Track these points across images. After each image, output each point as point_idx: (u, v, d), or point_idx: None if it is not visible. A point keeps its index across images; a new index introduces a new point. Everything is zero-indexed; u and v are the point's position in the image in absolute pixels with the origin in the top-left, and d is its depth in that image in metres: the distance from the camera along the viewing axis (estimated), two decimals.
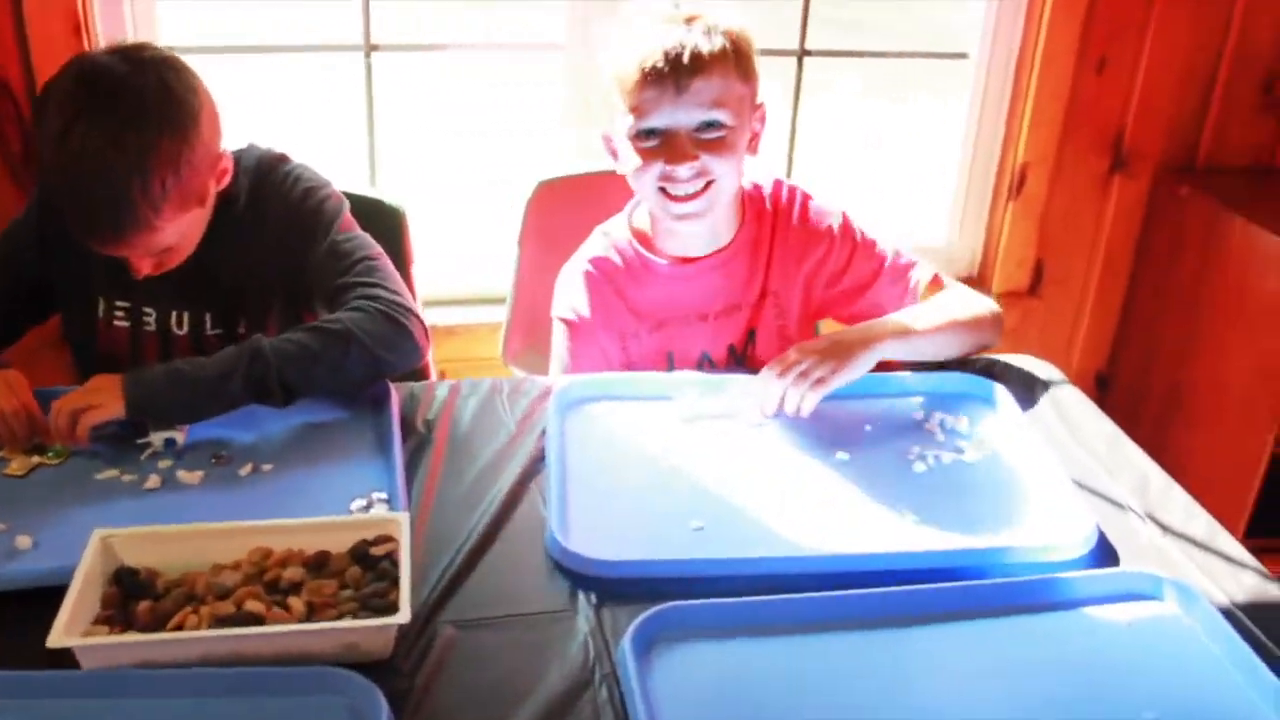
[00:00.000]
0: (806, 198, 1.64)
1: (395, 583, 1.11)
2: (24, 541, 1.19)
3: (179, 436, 1.34)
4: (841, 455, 1.40)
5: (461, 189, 3.96)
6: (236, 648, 1.04)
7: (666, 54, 1.44)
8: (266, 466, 1.33)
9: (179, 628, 1.06)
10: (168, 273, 1.50)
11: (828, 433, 1.44)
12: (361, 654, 1.06)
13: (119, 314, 1.56)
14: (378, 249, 1.52)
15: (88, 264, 1.51)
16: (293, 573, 1.12)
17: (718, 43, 1.46)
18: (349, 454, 1.36)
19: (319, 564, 1.14)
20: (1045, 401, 1.58)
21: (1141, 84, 2.45)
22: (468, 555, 1.20)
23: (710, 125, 1.48)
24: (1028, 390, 1.59)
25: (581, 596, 1.16)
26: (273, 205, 1.53)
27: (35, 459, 1.33)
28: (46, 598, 1.10)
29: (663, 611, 1.11)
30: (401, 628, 1.06)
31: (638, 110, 1.47)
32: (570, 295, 1.62)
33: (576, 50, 2.30)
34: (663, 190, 1.51)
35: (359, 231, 1.54)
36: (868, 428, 1.47)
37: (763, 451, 1.41)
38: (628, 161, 1.52)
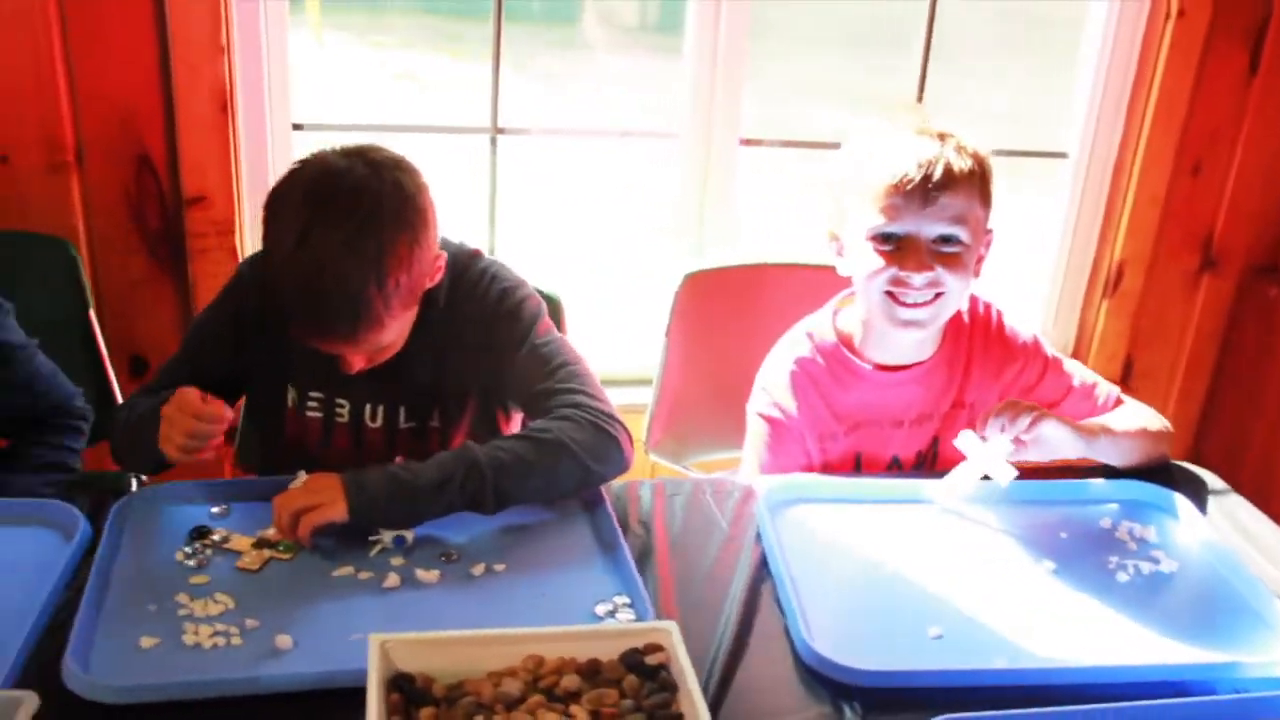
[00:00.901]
0: (1000, 313, 1.69)
1: (675, 693, 1.11)
2: (285, 641, 1.18)
3: (409, 535, 1.34)
4: (1048, 564, 1.42)
5: (580, 266, 3.96)
6: None
7: (920, 165, 1.48)
8: (499, 567, 1.33)
9: None
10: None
11: (1028, 539, 1.47)
12: None
13: (312, 404, 1.56)
14: (576, 353, 1.53)
15: (281, 355, 1.52)
16: (569, 681, 1.12)
17: (967, 163, 1.50)
18: (574, 555, 1.37)
19: (592, 672, 1.14)
20: (1215, 510, 1.61)
21: (1232, 187, 2.52)
22: (724, 666, 1.20)
23: (949, 240, 1.52)
24: (1196, 497, 1.62)
25: (845, 707, 1.17)
26: (470, 305, 1.53)
27: (267, 553, 1.32)
28: (307, 698, 1.10)
29: None
30: None
31: (885, 213, 1.50)
32: (775, 394, 1.63)
33: (695, 138, 2.33)
34: (890, 294, 1.53)
35: (557, 334, 1.54)
36: (1063, 535, 1.49)
37: (974, 557, 1.43)
38: (860, 262, 1.55)
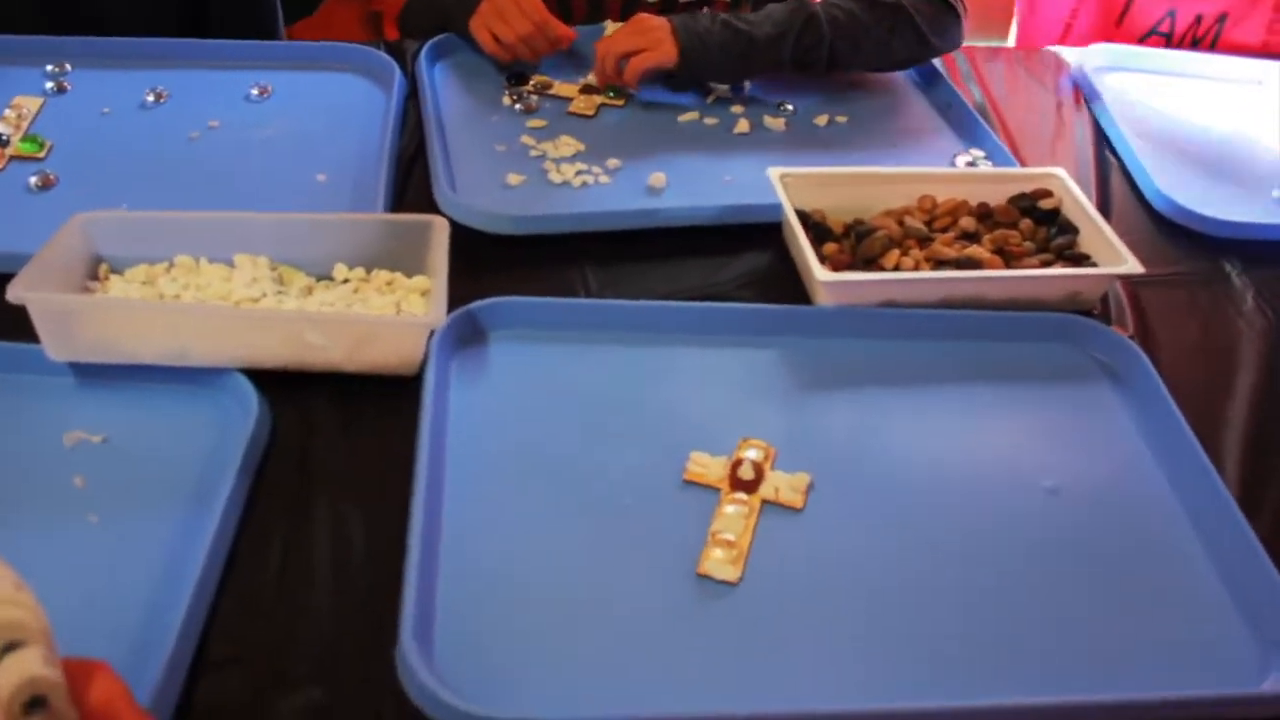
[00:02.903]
0: None
1: (1076, 235, 1.08)
2: (659, 179, 1.13)
3: (745, 82, 1.27)
4: None
5: None
6: (975, 291, 1.01)
7: None
8: (840, 119, 1.27)
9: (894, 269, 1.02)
10: None
11: None
12: (1078, 303, 1.04)
13: None
14: None
15: None
16: (967, 221, 1.09)
17: None
18: (913, 113, 1.31)
19: (984, 215, 1.10)
20: None
21: None
22: None
23: None
24: None
25: (1226, 264, 1.14)
26: None
27: (597, 98, 1.26)
28: (693, 235, 1.07)
29: None
30: None
31: None
32: None
33: None
34: None
35: None
36: None
37: None
38: None
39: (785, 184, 1.06)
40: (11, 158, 1.13)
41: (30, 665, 0.45)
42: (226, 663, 0.72)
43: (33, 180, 1.09)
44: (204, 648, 0.72)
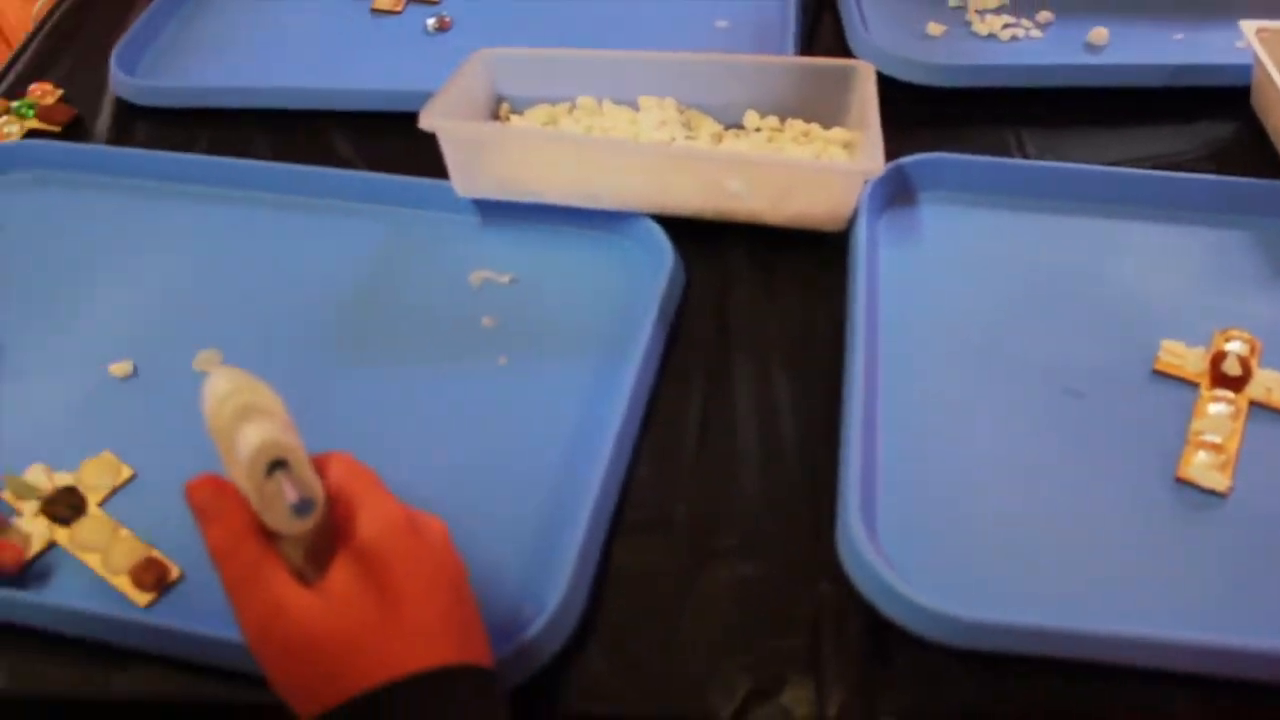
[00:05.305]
0: None
1: None
2: (1100, 34, 1.00)
3: None
4: None
5: None
6: None
7: None
8: None
9: None
10: None
11: None
12: None
13: None
14: None
15: None
16: None
17: None
18: None
19: None
20: None
21: None
22: None
23: None
24: None
25: None
26: None
27: None
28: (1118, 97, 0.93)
29: None
30: None
31: None
32: None
33: None
34: None
35: None
36: None
37: None
38: None
39: (1263, 40, 0.91)
40: (409, 0, 1.11)
41: (270, 431, 0.48)
42: (646, 526, 0.67)
43: (430, 22, 1.07)
44: (621, 508, 0.67)
